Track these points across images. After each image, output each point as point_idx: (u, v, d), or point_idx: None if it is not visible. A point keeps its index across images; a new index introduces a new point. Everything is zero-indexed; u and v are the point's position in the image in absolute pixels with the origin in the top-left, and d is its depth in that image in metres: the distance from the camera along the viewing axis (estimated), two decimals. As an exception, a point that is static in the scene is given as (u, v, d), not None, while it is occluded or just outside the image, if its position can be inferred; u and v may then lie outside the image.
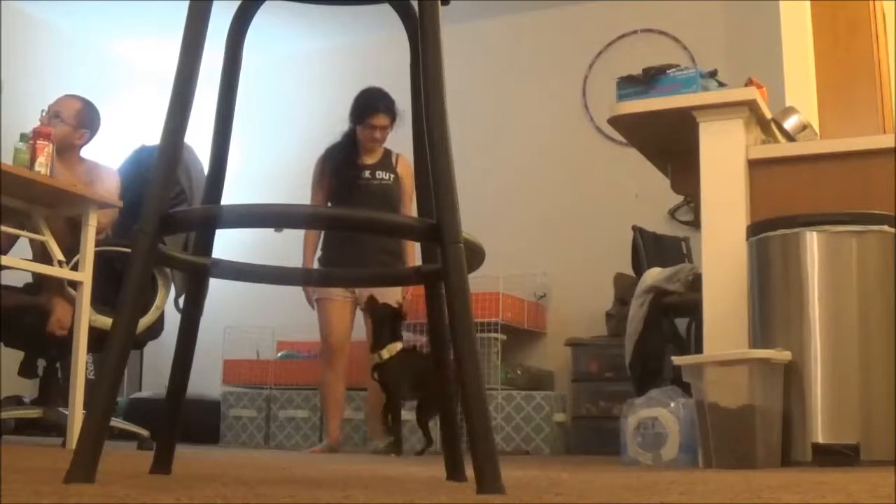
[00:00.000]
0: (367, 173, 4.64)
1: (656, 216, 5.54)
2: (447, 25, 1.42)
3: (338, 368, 4.60)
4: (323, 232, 4.64)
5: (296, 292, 4.65)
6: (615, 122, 3.46)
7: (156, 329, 3.96)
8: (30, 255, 3.88)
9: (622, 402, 3.39)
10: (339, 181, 4.61)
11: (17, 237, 3.69)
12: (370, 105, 4.57)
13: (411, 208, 4.58)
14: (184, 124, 1.39)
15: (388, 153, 4.72)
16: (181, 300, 3.63)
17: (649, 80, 3.37)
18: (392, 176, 4.66)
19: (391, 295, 4.53)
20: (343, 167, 4.62)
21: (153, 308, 3.83)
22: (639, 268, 4.30)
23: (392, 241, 4.54)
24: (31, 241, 3.67)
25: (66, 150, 3.90)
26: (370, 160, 4.67)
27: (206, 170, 1.65)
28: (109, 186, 3.83)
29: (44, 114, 3.77)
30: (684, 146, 3.35)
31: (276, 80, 7.10)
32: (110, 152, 4.52)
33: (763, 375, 2.71)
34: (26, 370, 3.95)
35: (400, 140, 4.11)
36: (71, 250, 3.51)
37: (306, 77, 7.17)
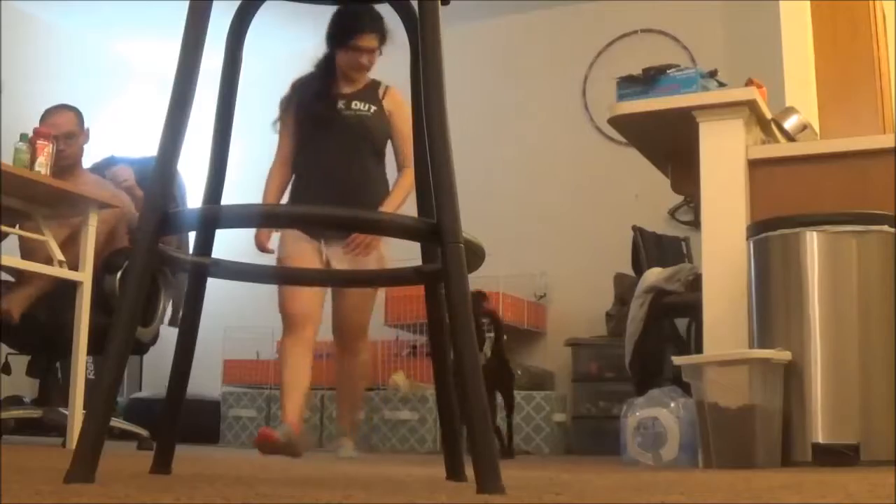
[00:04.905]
0: (340, 103, 3.73)
1: (656, 216, 5.54)
2: (447, 25, 1.42)
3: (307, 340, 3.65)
4: (293, 176, 3.77)
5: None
6: (615, 122, 3.46)
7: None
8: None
9: (622, 402, 3.39)
10: (307, 115, 3.73)
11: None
12: (354, 23, 3.66)
13: (411, 150, 3.84)
14: (184, 124, 1.39)
15: (374, 83, 3.82)
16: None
17: (649, 80, 3.37)
18: (373, 108, 3.73)
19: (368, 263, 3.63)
20: (313, 99, 3.74)
21: (157, 318, 3.86)
22: (639, 268, 4.30)
23: (374, 190, 3.70)
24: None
25: (78, 163, 3.95)
26: (348, 89, 3.77)
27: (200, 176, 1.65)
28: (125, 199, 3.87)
29: (52, 145, 3.71)
30: (684, 146, 3.35)
31: (276, 81, 7.08)
32: (110, 152, 4.51)
33: (763, 375, 2.71)
34: (34, 370, 3.97)
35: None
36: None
37: (306, 77, 7.16)
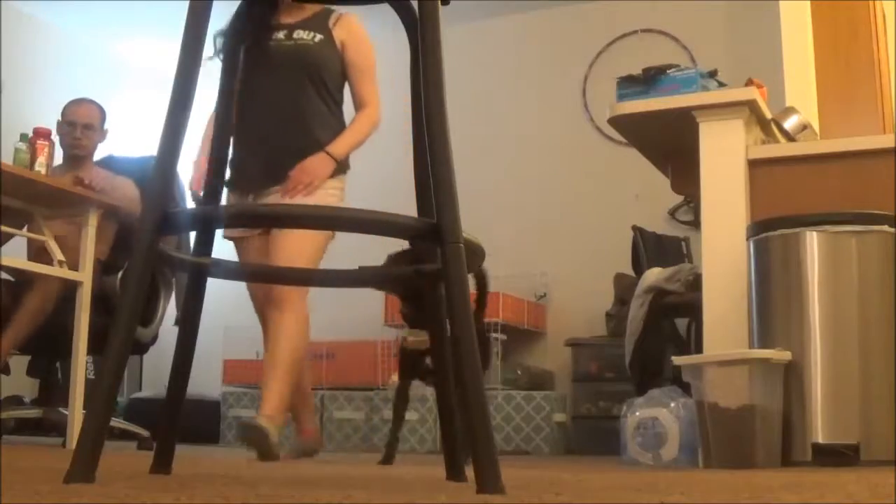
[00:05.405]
0: (280, 34, 3.24)
1: (656, 216, 5.55)
2: (447, 25, 1.42)
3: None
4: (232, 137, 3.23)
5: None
6: (615, 122, 3.46)
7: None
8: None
9: (622, 402, 3.40)
10: (244, 49, 3.18)
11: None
12: None
13: (369, 89, 3.34)
14: (184, 124, 1.39)
15: (325, 11, 3.32)
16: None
17: (649, 80, 3.37)
18: (318, 36, 3.24)
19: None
20: (249, 30, 3.19)
21: (157, 318, 3.87)
22: (639, 268, 4.31)
23: (321, 136, 3.21)
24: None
25: (89, 157, 3.98)
26: (291, 18, 3.27)
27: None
28: (128, 193, 3.87)
29: (69, 129, 3.82)
30: (684, 146, 3.35)
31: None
32: (109, 152, 4.50)
33: (763, 375, 2.71)
34: (34, 370, 3.97)
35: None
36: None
37: (306, 77, 7.16)
